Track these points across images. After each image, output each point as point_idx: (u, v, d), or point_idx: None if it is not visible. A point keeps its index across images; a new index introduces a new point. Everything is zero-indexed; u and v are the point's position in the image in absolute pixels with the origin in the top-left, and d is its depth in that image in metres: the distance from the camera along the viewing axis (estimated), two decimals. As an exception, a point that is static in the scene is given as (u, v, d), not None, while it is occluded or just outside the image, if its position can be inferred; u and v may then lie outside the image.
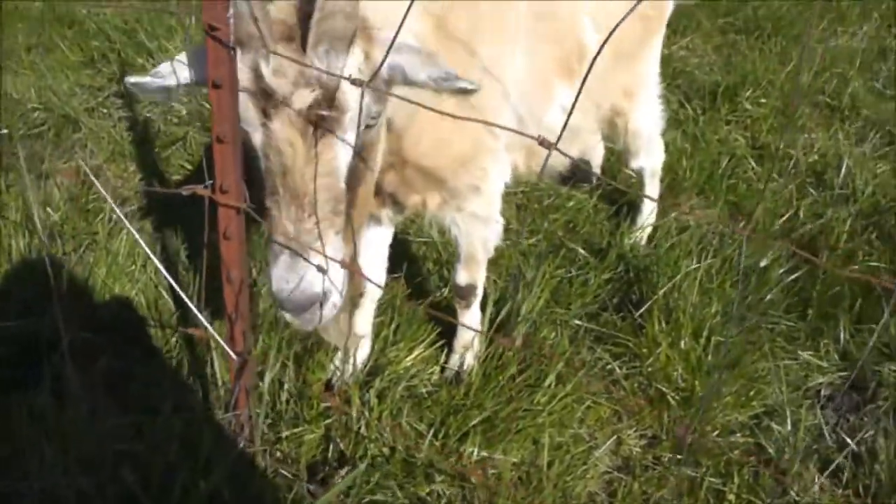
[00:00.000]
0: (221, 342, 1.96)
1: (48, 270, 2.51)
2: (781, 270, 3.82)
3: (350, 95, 1.91)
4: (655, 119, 3.86)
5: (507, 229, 3.94)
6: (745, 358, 3.35)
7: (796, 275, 3.80)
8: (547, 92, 2.97)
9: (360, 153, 2.03)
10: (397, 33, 1.64)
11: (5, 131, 4.52)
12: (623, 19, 1.42)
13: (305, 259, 1.94)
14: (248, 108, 1.93)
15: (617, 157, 4.50)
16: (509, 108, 2.76)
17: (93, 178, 3.54)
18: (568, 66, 3.02)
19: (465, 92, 2.05)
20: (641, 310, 3.47)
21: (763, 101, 5.25)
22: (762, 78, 5.39)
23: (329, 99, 1.89)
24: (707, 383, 3.19)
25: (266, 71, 1.85)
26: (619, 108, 3.61)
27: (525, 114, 2.82)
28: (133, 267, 3.59)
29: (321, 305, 2.01)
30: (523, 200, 4.26)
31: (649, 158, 3.98)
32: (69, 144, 4.61)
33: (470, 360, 3.23)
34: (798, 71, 5.60)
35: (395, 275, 3.53)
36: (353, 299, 2.33)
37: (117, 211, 2.51)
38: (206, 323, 1.84)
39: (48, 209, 3.84)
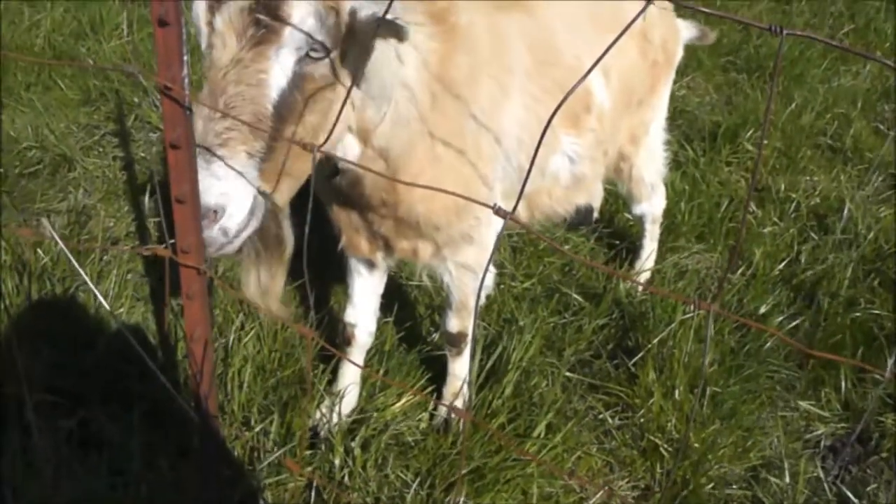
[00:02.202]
0: (182, 402, 1.90)
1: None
2: (781, 317, 3.75)
3: (295, 10, 1.88)
4: (659, 166, 3.81)
5: (501, 273, 3.90)
6: (742, 408, 3.27)
7: (796, 322, 3.73)
8: (551, 140, 2.92)
9: (299, 86, 1.95)
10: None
11: (0, 170, 4.51)
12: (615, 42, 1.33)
13: (206, 163, 1.85)
14: (199, 11, 1.93)
15: (615, 199, 4.45)
16: (503, 156, 2.72)
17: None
18: (574, 115, 2.97)
19: (395, 31, 1.95)
20: (635, 358, 3.39)
21: (764, 142, 5.19)
22: (764, 118, 5.33)
23: (271, 6, 1.87)
24: (701, 435, 3.11)
25: None
26: (625, 154, 3.56)
27: (526, 162, 2.77)
28: (121, 310, 3.54)
29: (212, 224, 1.88)
30: (518, 243, 4.21)
31: (651, 205, 3.93)
32: (64, 184, 4.59)
33: (459, 407, 3.16)
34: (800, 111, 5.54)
35: (386, 319, 3.47)
36: (279, 258, 2.21)
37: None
38: (166, 382, 1.79)
39: (39, 251, 3.80)
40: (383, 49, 2.17)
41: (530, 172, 1.57)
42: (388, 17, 1.88)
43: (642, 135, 3.56)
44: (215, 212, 1.88)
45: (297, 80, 1.95)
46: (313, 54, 1.95)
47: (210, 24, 1.91)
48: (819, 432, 3.33)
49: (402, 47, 2.27)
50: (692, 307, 3.42)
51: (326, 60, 1.99)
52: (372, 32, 1.95)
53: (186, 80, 1.63)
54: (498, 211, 1.47)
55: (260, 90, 1.91)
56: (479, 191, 2.62)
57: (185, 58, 1.62)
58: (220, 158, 1.87)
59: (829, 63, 6.33)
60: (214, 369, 2.04)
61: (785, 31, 1.22)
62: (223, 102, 1.89)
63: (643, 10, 1.34)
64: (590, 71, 1.37)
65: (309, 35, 1.92)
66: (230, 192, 1.90)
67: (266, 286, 2.22)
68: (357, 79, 2.15)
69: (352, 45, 2.03)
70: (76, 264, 2.74)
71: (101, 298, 2.16)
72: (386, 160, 2.41)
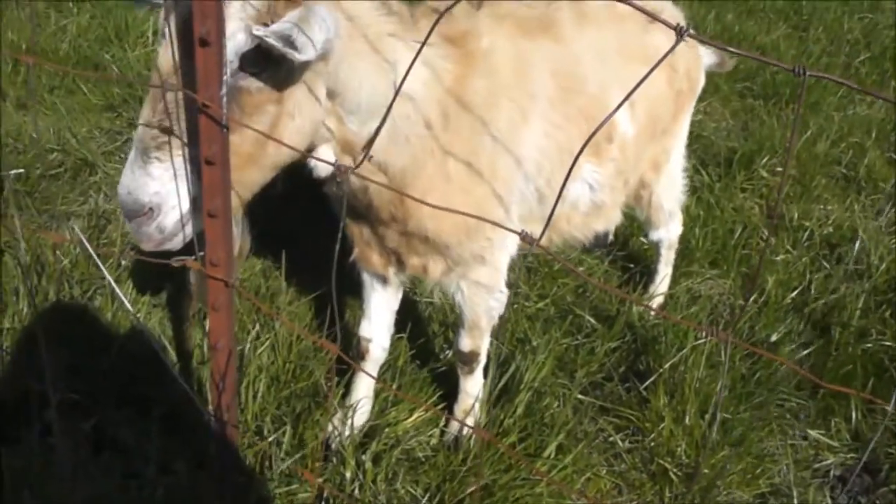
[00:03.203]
0: (203, 410, 1.93)
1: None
2: (793, 345, 3.76)
3: (227, 25, 1.87)
4: (678, 192, 3.83)
5: (515, 293, 3.92)
6: (752, 435, 3.28)
7: (808, 351, 3.74)
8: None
9: (235, 99, 1.96)
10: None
11: (21, 171, 4.55)
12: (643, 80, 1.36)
13: (143, 162, 1.95)
14: (161, 13, 1.98)
15: (631, 223, 4.46)
16: (523, 180, 2.74)
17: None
18: (596, 144, 2.97)
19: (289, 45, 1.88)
20: (647, 382, 3.41)
21: (779, 169, 5.21)
22: (779, 146, 5.36)
23: None
24: (711, 461, 3.12)
25: None
26: (646, 181, 3.57)
27: (544, 187, 2.79)
28: (140, 313, 3.57)
29: (149, 220, 2.00)
30: (533, 263, 4.23)
31: (668, 231, 3.94)
32: (85, 187, 4.64)
33: (470, 425, 3.18)
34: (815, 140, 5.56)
35: (399, 335, 3.50)
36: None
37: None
38: (188, 389, 1.82)
39: (58, 252, 3.84)
40: (354, 65, 2.17)
41: (558, 202, 1.60)
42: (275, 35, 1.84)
43: (664, 162, 3.57)
44: (151, 209, 1.99)
45: (234, 92, 1.96)
46: (248, 68, 1.97)
47: (163, 28, 1.95)
48: (828, 462, 3.34)
49: (401, 63, 2.24)
50: (705, 334, 3.47)
51: (263, 75, 2.00)
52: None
53: (224, 99, 1.66)
54: (525, 237, 1.50)
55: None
56: (492, 212, 2.62)
57: (224, 77, 1.66)
58: (157, 160, 1.96)
59: (845, 91, 6.35)
60: (237, 379, 2.08)
61: (808, 73, 1.25)
62: (161, 107, 1.94)
63: (674, 47, 1.37)
64: (616, 110, 1.41)
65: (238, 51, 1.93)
66: (162, 192, 1.99)
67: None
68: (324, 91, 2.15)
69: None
70: (102, 268, 2.78)
71: (125, 301, 2.19)
72: (386, 173, 2.43)
